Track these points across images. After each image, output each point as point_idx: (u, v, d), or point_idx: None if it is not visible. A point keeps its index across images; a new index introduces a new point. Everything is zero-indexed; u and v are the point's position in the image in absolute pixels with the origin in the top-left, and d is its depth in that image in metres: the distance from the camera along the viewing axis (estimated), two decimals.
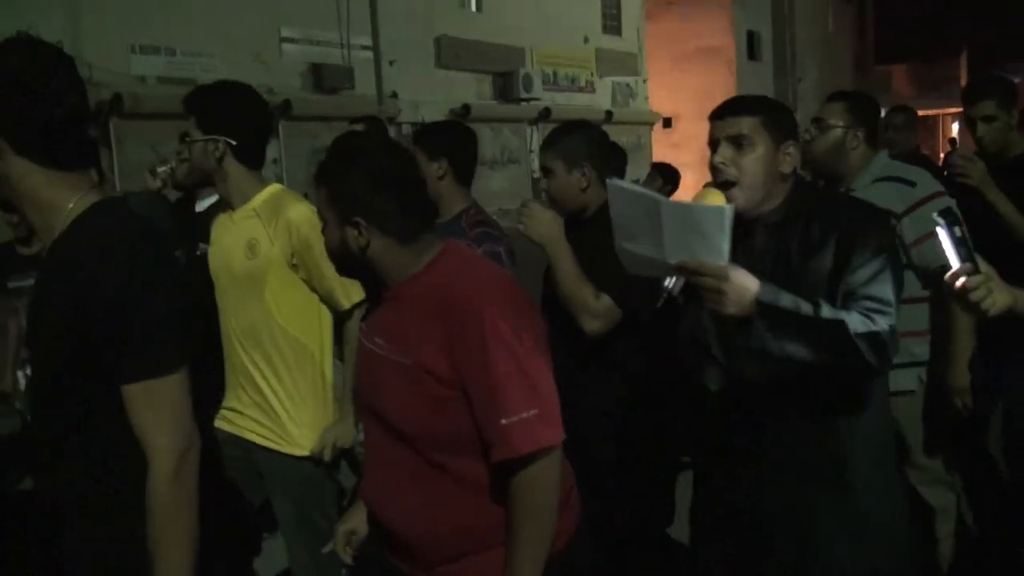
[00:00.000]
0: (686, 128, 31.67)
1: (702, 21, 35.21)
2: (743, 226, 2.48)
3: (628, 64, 29.85)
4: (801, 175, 2.65)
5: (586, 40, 28.04)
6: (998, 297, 2.15)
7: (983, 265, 2.16)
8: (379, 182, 2.24)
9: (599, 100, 28.19)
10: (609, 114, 26.98)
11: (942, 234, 2.17)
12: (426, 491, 2.26)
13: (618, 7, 29.76)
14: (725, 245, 2.18)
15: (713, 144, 2.53)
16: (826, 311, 2.28)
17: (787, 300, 2.28)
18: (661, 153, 29.20)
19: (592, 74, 28.20)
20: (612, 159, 3.51)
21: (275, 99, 18.01)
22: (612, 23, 29.51)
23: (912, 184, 3.68)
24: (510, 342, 2.16)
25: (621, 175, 7.27)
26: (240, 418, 3.41)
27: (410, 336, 2.22)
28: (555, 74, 26.29)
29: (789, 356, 2.28)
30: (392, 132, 21.17)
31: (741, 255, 2.45)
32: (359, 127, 5.43)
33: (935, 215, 2.19)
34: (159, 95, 15.62)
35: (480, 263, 2.43)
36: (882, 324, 2.31)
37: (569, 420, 3.41)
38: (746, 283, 2.25)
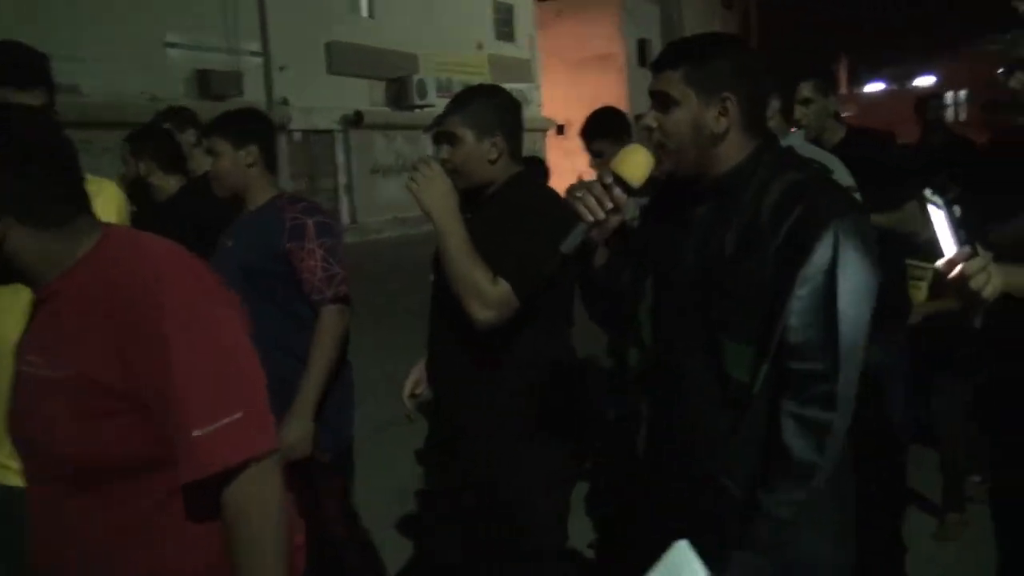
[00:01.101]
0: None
1: (593, 29, 35.45)
2: (683, 188, 2.18)
3: (522, 71, 29.78)
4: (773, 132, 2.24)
5: (480, 47, 27.93)
6: (996, 280, 1.88)
7: (980, 248, 1.88)
8: (7, 158, 1.75)
9: None
10: None
11: (938, 215, 1.86)
12: (116, 541, 1.82)
13: (511, 14, 29.69)
14: None
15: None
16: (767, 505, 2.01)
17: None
18: (555, 159, 29.14)
19: (486, 81, 27.96)
20: (523, 136, 3.03)
21: (159, 106, 17.28)
22: (505, 30, 29.42)
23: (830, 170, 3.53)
24: (200, 332, 1.75)
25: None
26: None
27: (68, 343, 1.77)
28: (449, 81, 25.94)
29: None
30: (283, 139, 20.62)
31: (677, 224, 2.19)
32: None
33: (929, 193, 1.89)
34: None
35: (154, 242, 1.91)
36: (819, 415, 1.96)
37: (460, 419, 3.01)
38: None
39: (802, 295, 1.94)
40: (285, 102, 20.63)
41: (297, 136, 21.71)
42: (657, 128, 2.14)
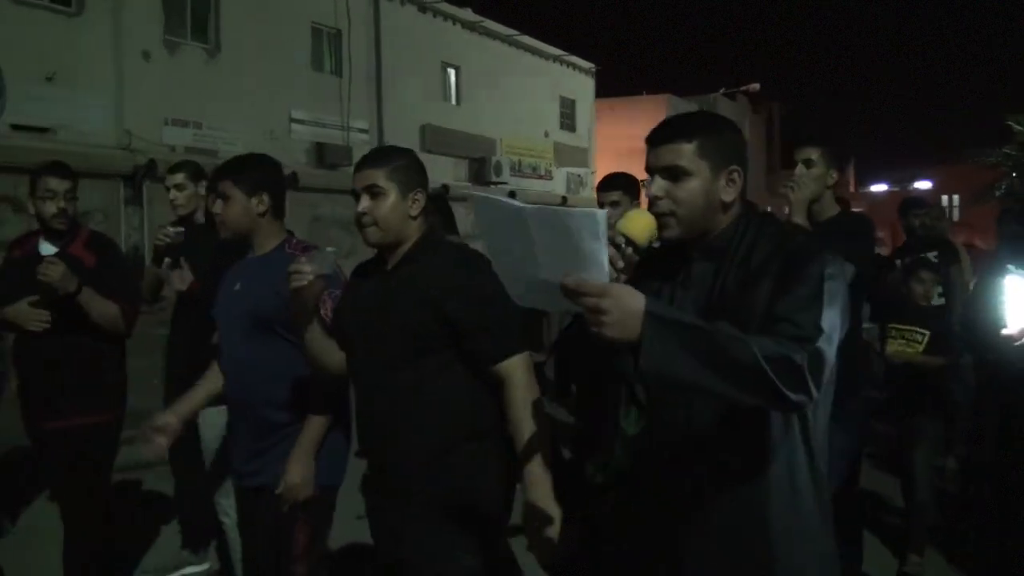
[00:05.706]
0: None
1: (640, 124, 35.72)
2: (680, 251, 2.06)
3: (580, 157, 30.26)
4: (750, 202, 2.10)
5: (546, 135, 28.41)
6: None
7: None
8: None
9: (555, 187, 28.39)
10: (564, 199, 27.13)
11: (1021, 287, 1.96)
12: None
13: (573, 108, 30.19)
14: (603, 257, 1.62)
15: (649, 172, 2.01)
16: (727, 328, 1.68)
17: (678, 313, 1.72)
18: None
19: (550, 164, 28.44)
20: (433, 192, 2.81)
21: (284, 171, 17.83)
22: (568, 121, 29.94)
23: None
24: None
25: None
26: None
27: None
28: (520, 162, 26.48)
29: (689, 385, 1.66)
30: None
31: (679, 282, 2.04)
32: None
33: (1013, 268, 1.95)
34: None
35: None
36: (798, 349, 1.69)
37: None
38: (630, 301, 1.60)
39: (793, 289, 1.82)
40: None
41: None
42: (665, 197, 1.97)
